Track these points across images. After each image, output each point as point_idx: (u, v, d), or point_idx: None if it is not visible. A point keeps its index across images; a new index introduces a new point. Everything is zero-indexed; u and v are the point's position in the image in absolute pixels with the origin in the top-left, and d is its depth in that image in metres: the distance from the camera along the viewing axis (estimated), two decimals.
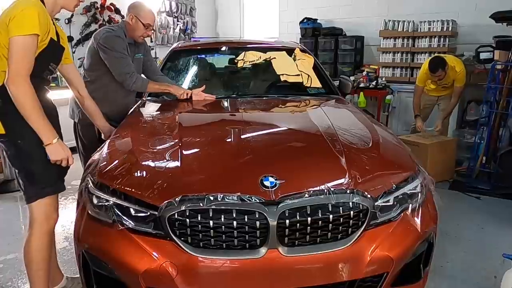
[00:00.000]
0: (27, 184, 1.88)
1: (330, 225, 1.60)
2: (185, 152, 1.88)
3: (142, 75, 2.87)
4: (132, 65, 2.69)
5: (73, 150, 2.02)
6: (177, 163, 1.79)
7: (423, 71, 4.32)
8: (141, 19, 2.64)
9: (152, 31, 2.83)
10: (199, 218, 1.56)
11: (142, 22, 2.64)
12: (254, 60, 3.21)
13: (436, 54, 4.72)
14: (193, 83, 3.31)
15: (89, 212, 1.74)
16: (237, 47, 3.49)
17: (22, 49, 1.68)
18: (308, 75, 3.14)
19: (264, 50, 3.30)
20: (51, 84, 2.01)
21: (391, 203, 1.73)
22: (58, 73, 2.18)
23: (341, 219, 1.61)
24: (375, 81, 5.55)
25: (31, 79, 1.72)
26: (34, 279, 1.96)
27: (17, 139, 1.81)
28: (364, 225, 1.64)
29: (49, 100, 1.96)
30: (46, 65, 1.86)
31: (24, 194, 1.91)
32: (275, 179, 1.63)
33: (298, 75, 3.11)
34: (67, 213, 3.20)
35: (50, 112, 1.88)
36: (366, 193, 1.65)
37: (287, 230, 1.57)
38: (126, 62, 2.64)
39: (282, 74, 3.11)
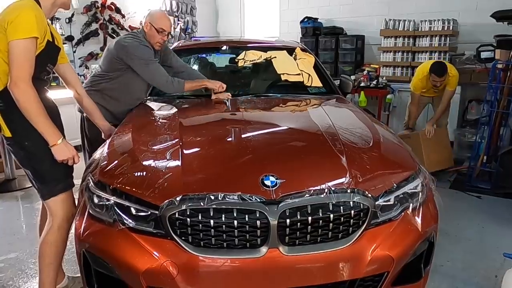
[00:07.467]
0: (39, 183, 1.92)
1: (331, 224, 1.60)
2: (185, 151, 1.88)
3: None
4: (164, 70, 2.70)
5: (77, 148, 2.03)
6: (178, 162, 1.79)
7: (420, 76, 4.17)
8: (155, 25, 2.64)
9: (170, 36, 2.81)
10: (199, 217, 1.56)
11: (155, 27, 2.64)
12: (254, 60, 3.21)
13: (435, 60, 4.69)
14: None
15: (90, 212, 1.73)
16: (238, 47, 3.48)
17: (22, 53, 1.68)
18: (309, 75, 3.13)
19: (265, 49, 3.30)
20: (51, 84, 2.01)
21: (391, 202, 1.73)
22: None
23: (342, 218, 1.61)
24: (376, 81, 5.55)
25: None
26: (44, 274, 1.97)
27: (24, 141, 1.82)
28: (365, 224, 1.64)
29: (49, 100, 1.96)
30: (44, 66, 1.87)
31: (38, 192, 1.95)
32: (276, 178, 1.63)
33: (298, 74, 3.11)
34: None
35: (52, 111, 1.89)
36: (366, 192, 1.65)
37: (287, 229, 1.57)
38: (161, 70, 2.67)
39: (283, 74, 3.10)
